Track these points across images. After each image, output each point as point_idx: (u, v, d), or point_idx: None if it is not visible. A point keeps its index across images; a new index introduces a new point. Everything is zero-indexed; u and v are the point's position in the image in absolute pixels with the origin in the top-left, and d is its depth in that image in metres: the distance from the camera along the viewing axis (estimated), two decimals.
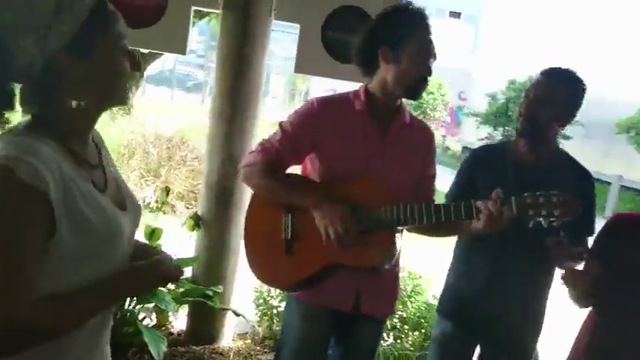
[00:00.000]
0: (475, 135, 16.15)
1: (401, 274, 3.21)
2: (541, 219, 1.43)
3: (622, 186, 11.38)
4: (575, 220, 1.80)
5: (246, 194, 2.57)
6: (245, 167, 1.75)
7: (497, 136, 15.21)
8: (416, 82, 1.64)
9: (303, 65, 2.92)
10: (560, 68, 1.83)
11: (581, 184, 1.84)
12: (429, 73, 1.65)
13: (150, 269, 1.07)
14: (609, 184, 11.39)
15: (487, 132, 15.54)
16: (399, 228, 1.66)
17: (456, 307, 1.96)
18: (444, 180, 2.19)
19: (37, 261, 0.89)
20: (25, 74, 0.92)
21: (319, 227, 1.57)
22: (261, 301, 3.19)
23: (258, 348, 3.06)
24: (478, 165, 1.96)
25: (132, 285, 1.08)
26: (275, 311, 3.11)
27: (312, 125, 1.70)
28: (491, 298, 1.84)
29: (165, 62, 20.71)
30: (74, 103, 0.95)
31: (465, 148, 17.57)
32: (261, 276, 1.78)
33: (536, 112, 1.78)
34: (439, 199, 1.87)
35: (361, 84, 1.77)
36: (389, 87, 1.66)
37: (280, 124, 1.76)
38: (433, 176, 1.82)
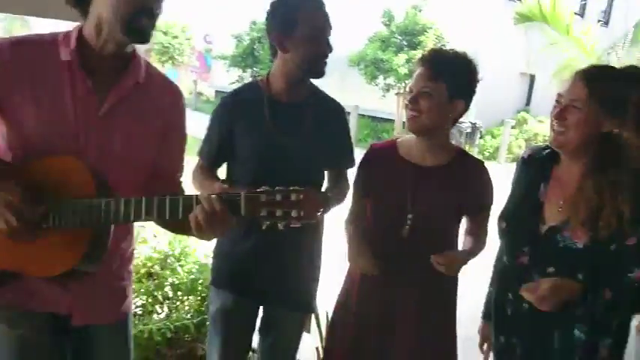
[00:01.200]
0: (227, 78, 16.12)
1: (165, 239, 2.95)
2: (276, 221, 1.14)
3: (359, 114, 12.88)
4: (336, 153, 1.79)
5: None
6: None
7: (247, 77, 15.46)
8: (133, 12, 1.22)
9: None
10: None
11: (337, 117, 1.81)
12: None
13: None
14: (349, 113, 13.33)
15: (237, 75, 15.64)
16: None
17: (230, 276, 1.79)
18: (202, 126, 1.92)
19: None
20: None
21: None
22: None
23: None
24: (229, 112, 1.75)
25: None
26: None
27: None
28: (265, 259, 1.72)
29: None
30: None
31: (217, 92, 17.44)
32: None
33: (327, 46, 1.65)
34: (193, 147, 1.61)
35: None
36: (104, 24, 1.24)
37: None
38: (179, 149, 1.45)
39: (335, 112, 1.81)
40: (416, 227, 1.60)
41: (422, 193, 1.61)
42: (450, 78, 1.56)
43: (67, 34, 1.28)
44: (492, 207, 1.71)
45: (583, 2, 16.41)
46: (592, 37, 7.41)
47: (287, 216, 1.14)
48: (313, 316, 2.39)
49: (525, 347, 1.49)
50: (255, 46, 15.17)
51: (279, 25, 1.66)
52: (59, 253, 1.21)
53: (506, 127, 11.81)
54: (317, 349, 2.44)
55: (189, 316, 2.71)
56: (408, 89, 1.62)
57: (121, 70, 1.32)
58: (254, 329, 1.90)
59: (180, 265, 2.88)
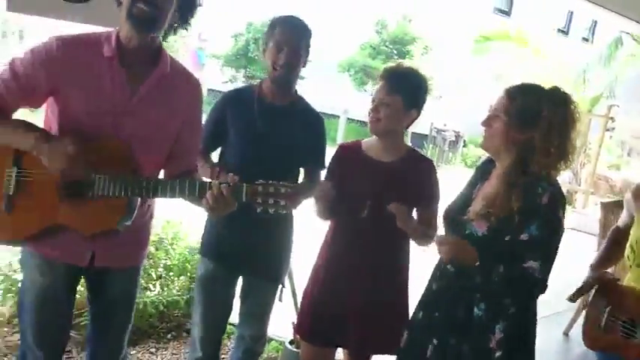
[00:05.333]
0: (220, 77, 16.32)
1: (160, 223, 3.22)
2: (268, 207, 1.49)
3: (348, 118, 13.17)
4: (311, 153, 2.10)
5: None
6: None
7: (240, 77, 15.69)
8: (134, 5, 1.48)
9: (18, 3, 2.50)
10: (291, 16, 2.01)
11: (315, 124, 2.12)
12: None
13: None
14: (338, 117, 13.60)
15: (231, 74, 15.85)
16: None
17: (216, 247, 2.10)
18: None
19: None
20: None
21: (50, 170, 1.48)
22: (0, 277, 2.80)
23: (5, 329, 2.71)
24: (227, 106, 2.08)
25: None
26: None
27: (48, 68, 1.51)
28: (245, 235, 2.01)
29: None
30: None
31: (210, 90, 17.54)
32: None
33: (285, 58, 1.93)
34: None
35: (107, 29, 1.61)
36: (122, 24, 1.54)
37: (11, 61, 1.53)
38: (197, 134, 1.78)
39: (315, 119, 2.13)
40: (373, 210, 1.90)
41: (379, 182, 1.93)
42: (405, 92, 1.88)
43: (109, 34, 1.57)
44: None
45: (568, 20, 16.86)
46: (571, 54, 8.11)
47: (277, 204, 1.49)
48: (289, 290, 2.67)
49: (441, 319, 1.71)
50: (249, 47, 15.40)
51: (263, 35, 2.03)
52: (103, 215, 1.54)
53: None
54: (292, 323, 2.73)
55: (179, 293, 2.99)
56: (371, 99, 1.93)
57: (151, 64, 1.60)
58: (233, 295, 2.20)
59: (172, 249, 3.16)
